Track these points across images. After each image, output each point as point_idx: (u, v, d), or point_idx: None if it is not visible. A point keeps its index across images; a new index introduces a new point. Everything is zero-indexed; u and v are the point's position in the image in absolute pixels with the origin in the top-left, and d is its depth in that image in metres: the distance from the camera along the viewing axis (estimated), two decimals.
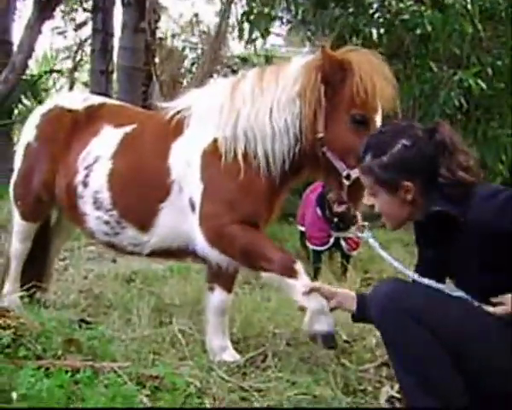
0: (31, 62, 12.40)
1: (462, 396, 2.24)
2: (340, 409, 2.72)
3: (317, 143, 3.02)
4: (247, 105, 3.15)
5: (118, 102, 4.19)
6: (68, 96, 4.26)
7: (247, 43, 10.09)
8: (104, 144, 3.56)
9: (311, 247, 5.97)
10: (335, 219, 5.23)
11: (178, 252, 3.46)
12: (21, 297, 3.84)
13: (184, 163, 3.29)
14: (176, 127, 3.38)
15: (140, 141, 3.51)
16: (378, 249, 2.84)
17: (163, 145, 3.37)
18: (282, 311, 3.93)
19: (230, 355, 3.31)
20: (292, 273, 2.96)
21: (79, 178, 3.56)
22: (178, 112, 3.41)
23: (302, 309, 2.85)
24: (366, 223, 2.94)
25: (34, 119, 3.94)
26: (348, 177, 2.94)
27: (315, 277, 5.64)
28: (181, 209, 3.31)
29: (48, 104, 4.08)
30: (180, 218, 3.31)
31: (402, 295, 2.34)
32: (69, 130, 3.70)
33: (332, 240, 5.75)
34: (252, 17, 9.57)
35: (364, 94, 2.93)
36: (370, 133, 2.75)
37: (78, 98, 3.93)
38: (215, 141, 3.20)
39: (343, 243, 5.79)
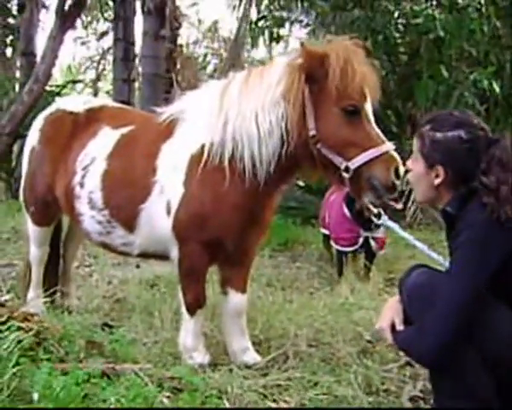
0: (55, 73, 12.55)
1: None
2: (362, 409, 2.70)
3: (309, 141, 2.94)
4: (234, 108, 3.08)
5: (118, 105, 4.18)
6: (70, 100, 4.28)
7: (252, 47, 10.15)
8: (101, 145, 3.57)
9: (339, 248, 5.84)
10: (365, 216, 5.09)
11: (165, 256, 3.39)
12: (45, 302, 3.89)
13: (171, 166, 3.26)
14: (167, 129, 3.35)
15: (133, 142, 3.50)
16: (398, 230, 2.97)
17: (153, 147, 3.35)
18: (303, 312, 3.90)
19: (251, 357, 3.30)
20: (192, 314, 3.28)
21: (77, 179, 3.57)
22: (172, 115, 3.38)
23: None
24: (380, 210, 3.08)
25: (38, 122, 3.98)
26: (347, 169, 2.87)
27: (339, 278, 5.59)
28: (159, 211, 3.28)
29: (50, 108, 4.10)
30: (158, 220, 3.29)
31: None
32: (70, 132, 3.72)
33: (361, 240, 5.64)
34: (260, 23, 9.59)
35: (349, 83, 2.87)
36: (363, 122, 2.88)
37: (80, 101, 3.96)
38: (203, 147, 3.14)
39: (372, 242, 5.66)
